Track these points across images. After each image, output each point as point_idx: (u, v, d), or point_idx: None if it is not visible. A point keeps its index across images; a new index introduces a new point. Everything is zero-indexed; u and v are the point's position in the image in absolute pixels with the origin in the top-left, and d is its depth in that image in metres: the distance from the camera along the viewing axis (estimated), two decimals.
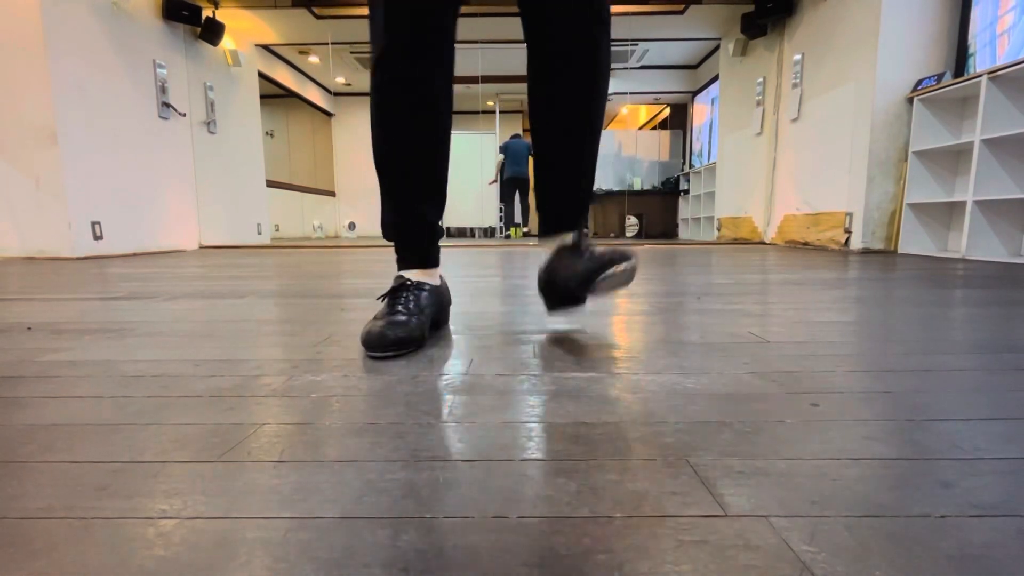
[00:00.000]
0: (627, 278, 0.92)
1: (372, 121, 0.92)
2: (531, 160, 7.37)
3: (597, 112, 0.96)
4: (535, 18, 0.92)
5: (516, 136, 7.54)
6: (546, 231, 1.02)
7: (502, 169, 7.45)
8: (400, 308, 0.88)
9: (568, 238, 0.99)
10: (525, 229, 7.92)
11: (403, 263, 0.98)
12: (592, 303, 1.25)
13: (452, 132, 0.97)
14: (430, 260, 0.99)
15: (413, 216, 0.96)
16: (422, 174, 0.94)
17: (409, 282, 0.93)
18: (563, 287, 0.96)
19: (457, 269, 2.44)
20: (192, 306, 1.37)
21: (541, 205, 1.03)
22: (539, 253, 1.07)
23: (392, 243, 0.99)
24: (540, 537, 0.35)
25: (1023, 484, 0.42)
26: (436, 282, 0.99)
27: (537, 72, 0.95)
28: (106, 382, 0.70)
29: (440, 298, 1.00)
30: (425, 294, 0.93)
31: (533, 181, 1.04)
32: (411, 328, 0.84)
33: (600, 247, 0.96)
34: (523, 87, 8.53)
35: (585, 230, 1.01)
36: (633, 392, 0.65)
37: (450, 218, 8.31)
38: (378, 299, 0.96)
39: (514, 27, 5.61)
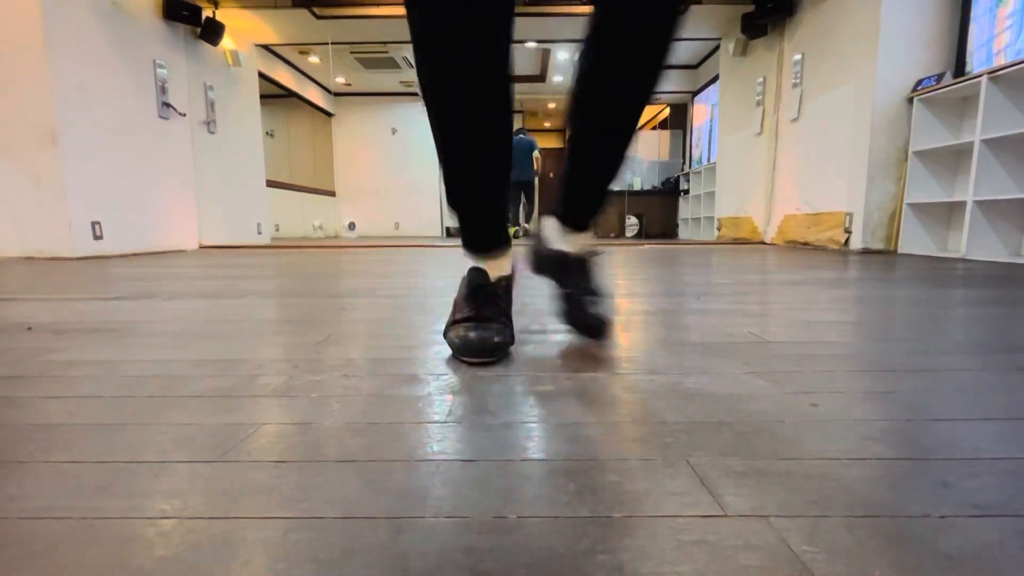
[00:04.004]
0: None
1: (421, 78, 0.76)
2: (534, 158, 7.27)
3: (644, 107, 0.85)
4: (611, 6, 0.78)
5: (519, 131, 7.27)
6: (564, 219, 0.94)
7: None
8: (487, 313, 0.84)
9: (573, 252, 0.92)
10: (528, 226, 7.87)
11: (475, 251, 0.93)
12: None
13: None
14: (503, 243, 0.93)
15: (484, 198, 0.87)
16: (488, 140, 0.82)
17: (489, 281, 0.89)
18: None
19: (459, 269, 2.44)
20: (192, 306, 1.37)
21: (566, 191, 0.92)
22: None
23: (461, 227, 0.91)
24: (540, 537, 0.35)
25: (1023, 484, 0.42)
26: (509, 269, 0.94)
27: (604, 55, 0.80)
28: (106, 382, 0.70)
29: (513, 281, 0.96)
30: (504, 289, 0.90)
31: (566, 161, 0.91)
32: (506, 333, 0.83)
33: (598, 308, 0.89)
34: (522, 87, 8.40)
35: (597, 251, 0.96)
36: (633, 392, 0.65)
37: (451, 218, 8.27)
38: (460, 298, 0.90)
39: (517, 26, 5.59)
